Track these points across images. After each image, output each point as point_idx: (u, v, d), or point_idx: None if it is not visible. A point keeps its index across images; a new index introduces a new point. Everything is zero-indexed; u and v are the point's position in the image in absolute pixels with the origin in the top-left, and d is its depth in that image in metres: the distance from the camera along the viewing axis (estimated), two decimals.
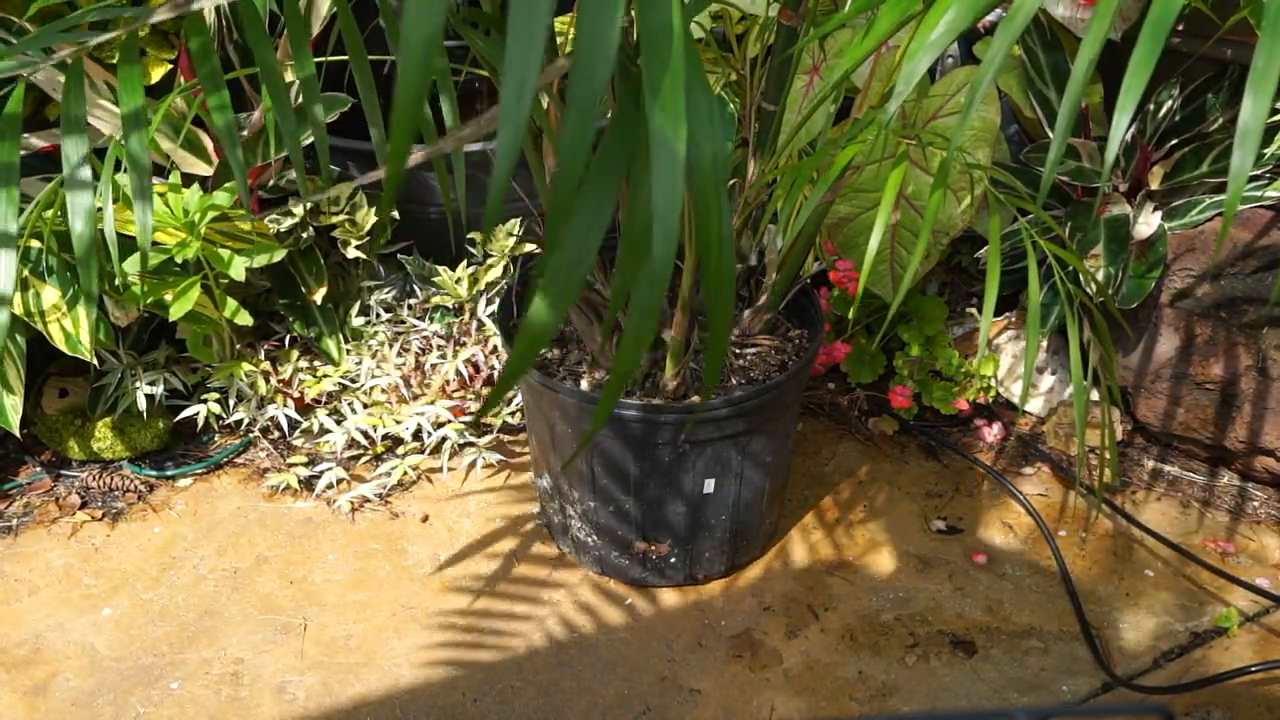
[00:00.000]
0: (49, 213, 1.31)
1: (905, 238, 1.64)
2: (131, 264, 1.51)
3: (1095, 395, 1.81)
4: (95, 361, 1.56)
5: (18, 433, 1.57)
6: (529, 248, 1.78)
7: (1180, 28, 1.74)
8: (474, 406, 1.79)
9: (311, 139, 1.47)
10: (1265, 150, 1.67)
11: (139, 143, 0.82)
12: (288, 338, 1.82)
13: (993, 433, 1.85)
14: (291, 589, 1.58)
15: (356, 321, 1.85)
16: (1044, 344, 1.87)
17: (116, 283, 1.55)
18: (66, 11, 1.56)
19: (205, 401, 1.77)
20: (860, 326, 1.90)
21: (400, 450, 1.77)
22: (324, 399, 1.81)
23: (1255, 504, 1.72)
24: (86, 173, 0.89)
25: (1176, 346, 1.71)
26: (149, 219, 0.90)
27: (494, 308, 1.77)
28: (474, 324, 1.81)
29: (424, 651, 1.48)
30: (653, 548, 1.52)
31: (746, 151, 1.43)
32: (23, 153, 1.59)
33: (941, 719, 1.34)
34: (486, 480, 1.77)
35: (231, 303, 1.66)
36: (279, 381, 1.79)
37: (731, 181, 1.49)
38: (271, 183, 1.76)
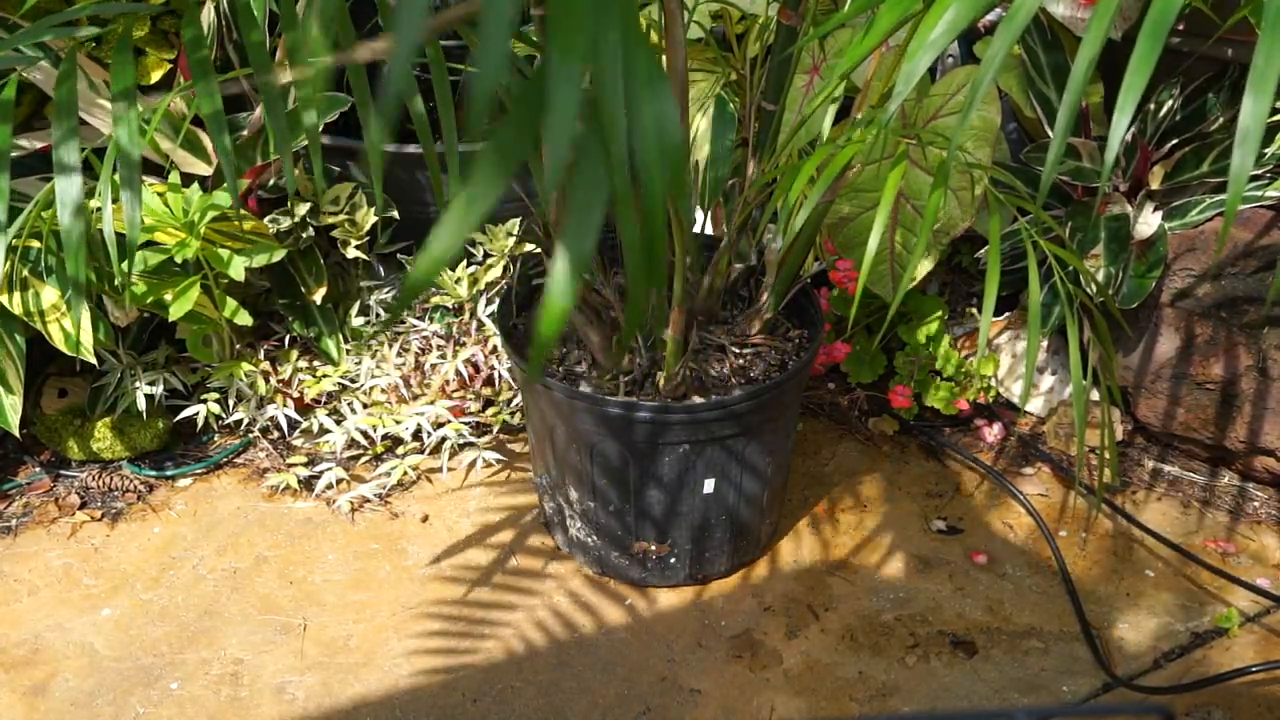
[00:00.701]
0: (48, 212, 1.31)
1: (905, 237, 1.63)
2: (138, 259, 1.51)
3: (1095, 395, 1.81)
4: (95, 361, 1.56)
5: (17, 433, 1.57)
6: (529, 247, 1.78)
7: (1180, 27, 1.74)
8: (474, 406, 1.79)
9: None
10: (1266, 150, 1.67)
11: (129, 135, 0.82)
12: (287, 338, 1.82)
13: (993, 433, 1.85)
14: (291, 589, 1.58)
15: (356, 321, 1.85)
16: (1044, 344, 1.87)
17: (116, 282, 1.55)
18: (61, 8, 1.55)
19: (205, 401, 1.77)
20: (860, 326, 1.90)
21: (400, 450, 1.77)
22: (324, 399, 1.81)
23: (1255, 504, 1.72)
24: (75, 159, 0.89)
25: (1177, 346, 1.71)
26: (138, 213, 0.90)
27: (494, 308, 1.77)
28: (474, 324, 1.81)
29: (424, 652, 1.48)
30: (652, 548, 1.52)
31: (746, 151, 1.43)
32: (22, 153, 1.60)
33: (941, 719, 1.34)
34: (486, 480, 1.77)
35: (231, 303, 1.66)
36: (279, 381, 1.79)
37: (731, 181, 1.49)
38: (271, 182, 1.76)
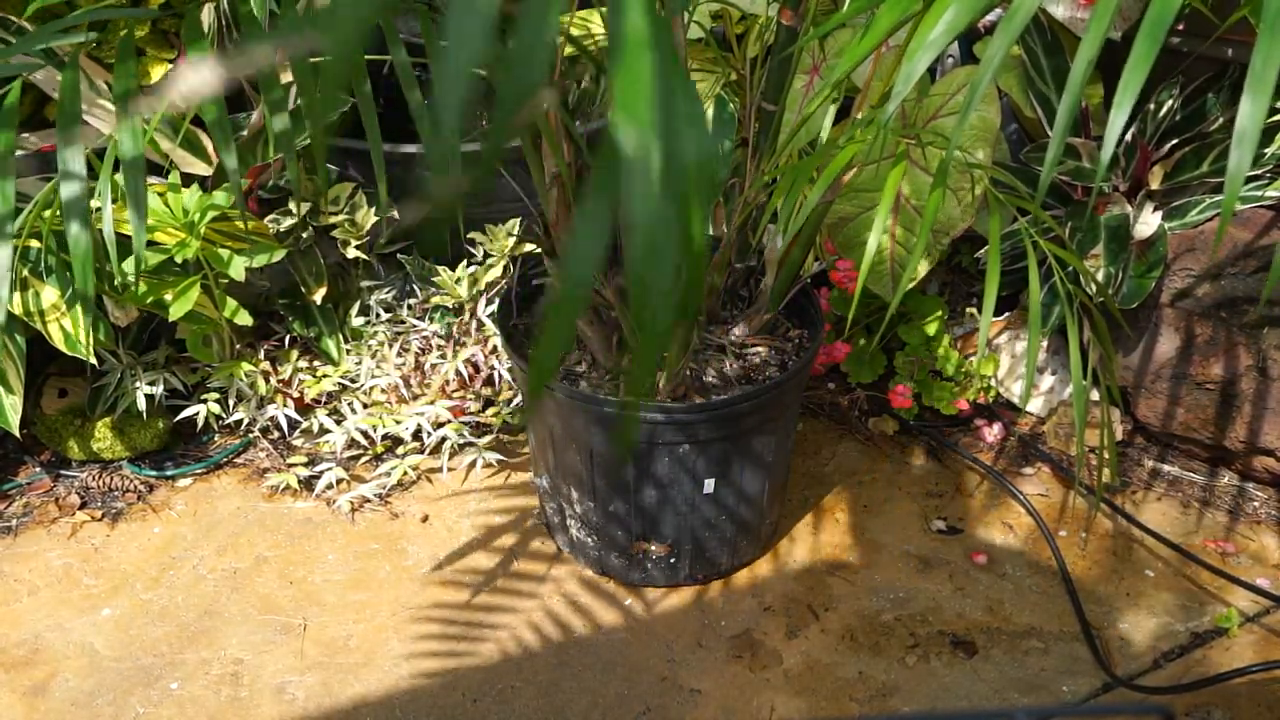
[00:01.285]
0: (48, 212, 1.31)
1: (905, 237, 1.63)
2: (130, 264, 1.51)
3: (1094, 395, 1.81)
4: (95, 361, 1.56)
5: (17, 433, 1.57)
6: (529, 247, 1.78)
7: (1180, 27, 1.74)
8: (474, 406, 1.79)
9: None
10: (1265, 150, 1.67)
11: (132, 140, 0.82)
12: (288, 338, 1.82)
13: (993, 433, 1.85)
14: (291, 589, 1.58)
15: (356, 321, 1.85)
16: (1043, 344, 1.87)
17: (116, 283, 1.55)
18: (65, 11, 1.55)
19: (205, 401, 1.77)
20: (860, 326, 1.90)
21: (400, 450, 1.77)
22: (324, 399, 1.81)
23: (1255, 504, 1.72)
24: (80, 167, 0.89)
25: (1176, 346, 1.71)
26: (144, 219, 0.90)
27: (494, 308, 1.77)
28: (474, 324, 1.81)
29: (424, 652, 1.48)
30: (652, 548, 1.52)
31: (746, 151, 1.43)
32: (22, 152, 1.60)
33: (941, 719, 1.34)
34: (486, 480, 1.77)
35: (231, 303, 1.66)
36: (279, 381, 1.79)
37: (731, 181, 1.49)
38: (271, 182, 1.76)
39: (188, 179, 1.68)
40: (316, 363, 1.82)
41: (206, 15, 1.63)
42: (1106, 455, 1.48)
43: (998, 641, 1.50)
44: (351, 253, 1.77)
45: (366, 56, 1.01)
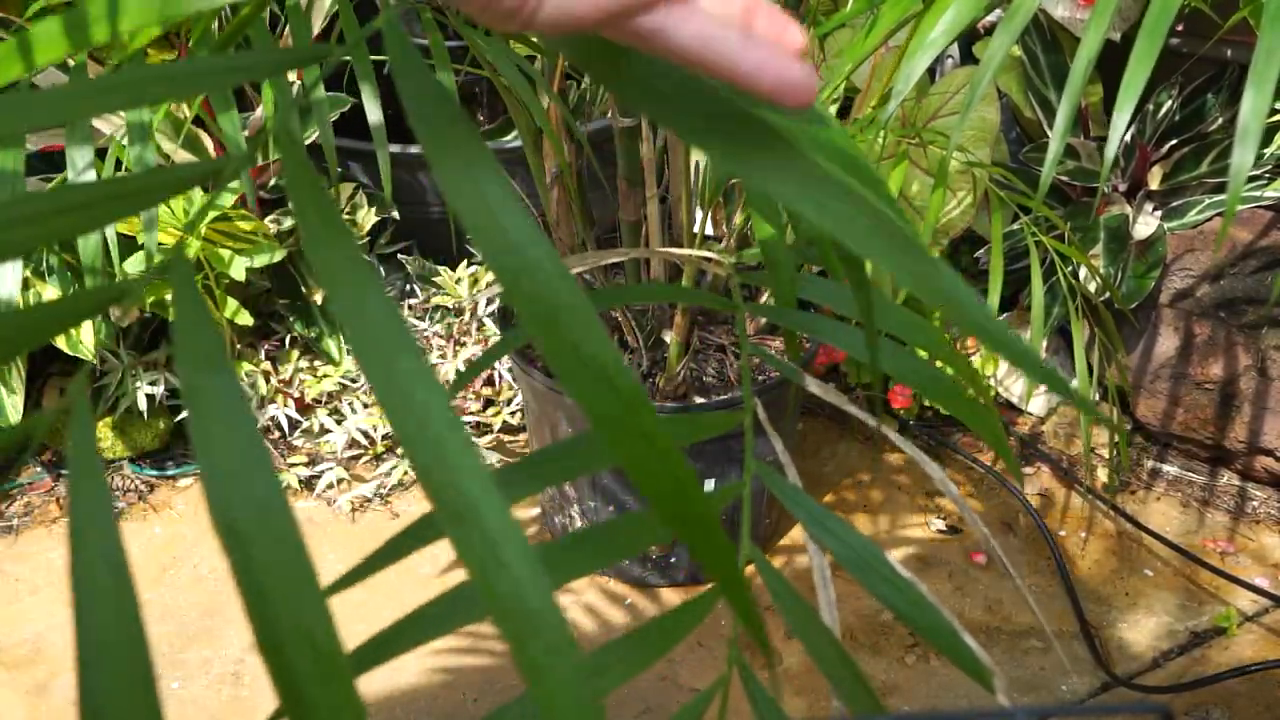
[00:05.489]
0: None
1: None
2: (133, 263, 1.51)
3: (1094, 396, 1.81)
4: (96, 361, 1.56)
5: None
6: None
7: (1180, 28, 1.74)
8: (474, 406, 1.79)
9: (314, 137, 1.47)
10: (1265, 150, 1.67)
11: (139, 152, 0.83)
12: (288, 338, 1.82)
13: None
14: None
15: None
16: (1043, 344, 1.88)
17: (116, 282, 1.55)
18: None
19: None
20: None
21: (400, 450, 1.77)
22: (324, 399, 1.81)
23: (1255, 504, 1.72)
24: (91, 168, 0.89)
25: (1176, 346, 1.71)
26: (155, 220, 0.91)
27: (494, 307, 1.77)
28: (474, 324, 1.81)
29: (424, 652, 1.48)
30: (653, 547, 1.52)
31: None
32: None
33: (941, 719, 1.34)
34: None
35: (231, 303, 1.66)
36: (279, 381, 1.79)
37: (732, 182, 1.49)
38: (272, 183, 1.77)
39: None
40: (317, 363, 1.82)
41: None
42: (1110, 454, 1.49)
43: (997, 641, 1.50)
44: None
45: (371, 56, 1.01)
